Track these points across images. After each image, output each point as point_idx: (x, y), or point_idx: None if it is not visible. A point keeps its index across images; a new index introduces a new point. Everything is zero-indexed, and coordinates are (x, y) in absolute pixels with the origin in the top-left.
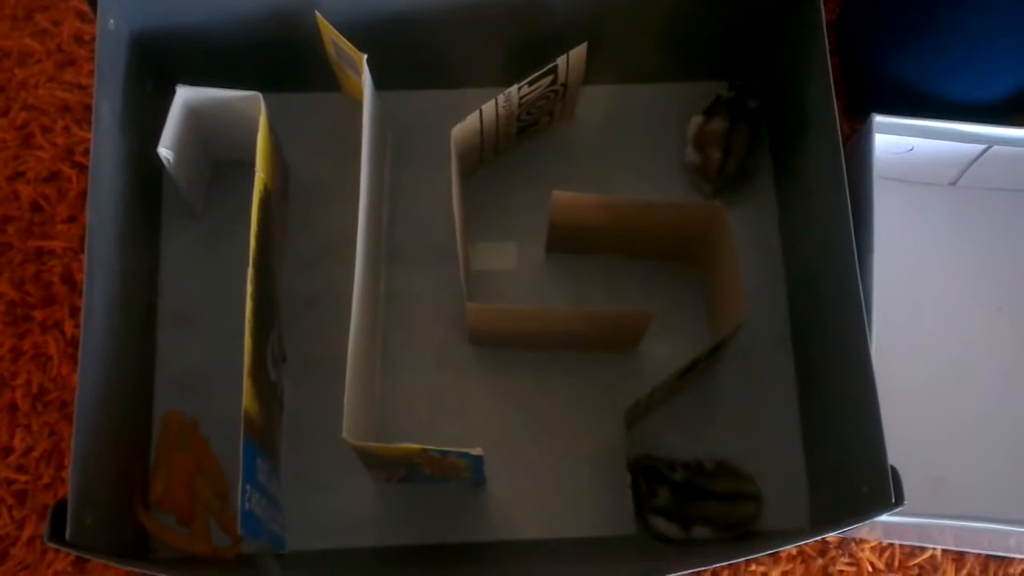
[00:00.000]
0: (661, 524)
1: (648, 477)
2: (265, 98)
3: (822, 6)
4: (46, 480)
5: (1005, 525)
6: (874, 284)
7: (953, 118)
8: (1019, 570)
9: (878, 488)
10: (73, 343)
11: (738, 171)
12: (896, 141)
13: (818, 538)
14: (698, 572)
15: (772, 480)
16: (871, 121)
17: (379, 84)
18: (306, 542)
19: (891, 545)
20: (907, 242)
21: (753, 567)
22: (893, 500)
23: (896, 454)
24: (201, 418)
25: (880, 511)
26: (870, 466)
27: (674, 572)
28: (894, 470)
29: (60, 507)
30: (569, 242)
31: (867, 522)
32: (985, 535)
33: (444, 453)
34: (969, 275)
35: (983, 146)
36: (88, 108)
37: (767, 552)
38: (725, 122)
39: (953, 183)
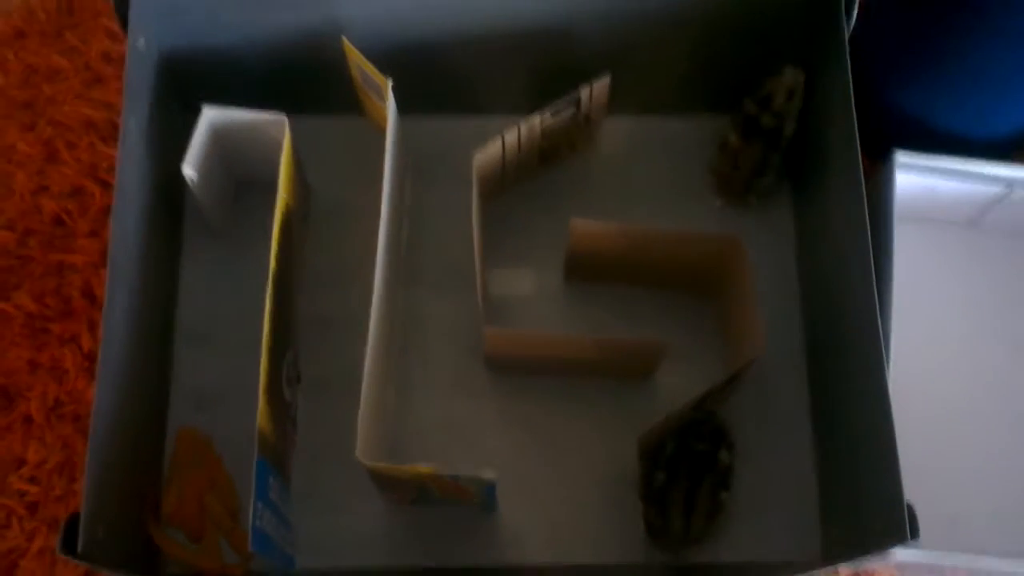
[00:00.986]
0: (668, 442)
1: (712, 434)
2: (289, 120)
3: (846, 42)
4: (58, 492)
5: (1019, 565)
6: (892, 321)
7: (962, 153)
8: None
9: (893, 522)
10: (90, 357)
11: (744, 188)
12: (917, 180)
13: (830, 568)
14: None
15: (784, 511)
16: (893, 159)
17: (402, 109)
18: (316, 561)
19: None
20: (926, 281)
21: None
22: (908, 535)
23: (910, 491)
24: (215, 435)
25: (895, 544)
26: (885, 500)
27: None
28: (910, 507)
29: (73, 520)
30: (587, 270)
31: (880, 557)
32: (998, 574)
33: (456, 477)
34: (988, 315)
35: (1005, 189)
36: (114, 126)
37: None
38: (739, 139)
39: (974, 223)
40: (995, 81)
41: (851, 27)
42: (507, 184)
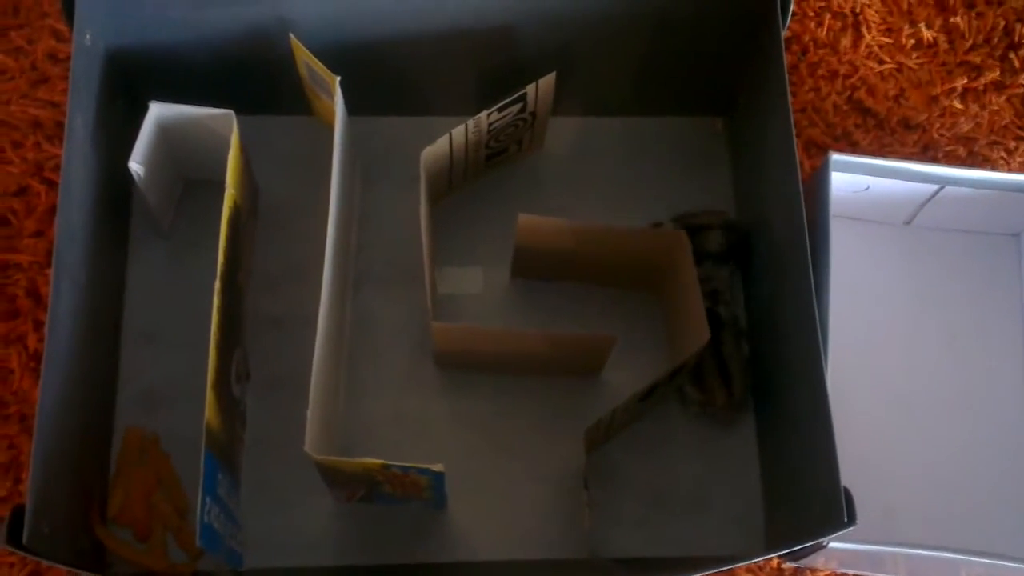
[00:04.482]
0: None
1: (710, 295)
2: (238, 119)
3: (782, 42)
4: (3, 493)
5: (957, 554)
6: (830, 318)
7: None
8: None
9: (830, 508)
10: (35, 357)
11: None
12: (852, 180)
13: (772, 556)
14: None
15: (729, 508)
16: (828, 159)
17: (351, 110)
18: (265, 560)
19: (845, 574)
20: (862, 279)
21: None
22: (846, 519)
23: (850, 484)
24: (163, 435)
25: (833, 530)
26: (823, 488)
27: None
28: (847, 491)
29: (17, 512)
30: (534, 267)
31: (821, 549)
32: (937, 565)
33: (405, 469)
34: (922, 312)
35: (936, 186)
36: (59, 125)
37: (720, 568)
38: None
39: (907, 222)
40: None
41: (786, 27)
42: (456, 183)
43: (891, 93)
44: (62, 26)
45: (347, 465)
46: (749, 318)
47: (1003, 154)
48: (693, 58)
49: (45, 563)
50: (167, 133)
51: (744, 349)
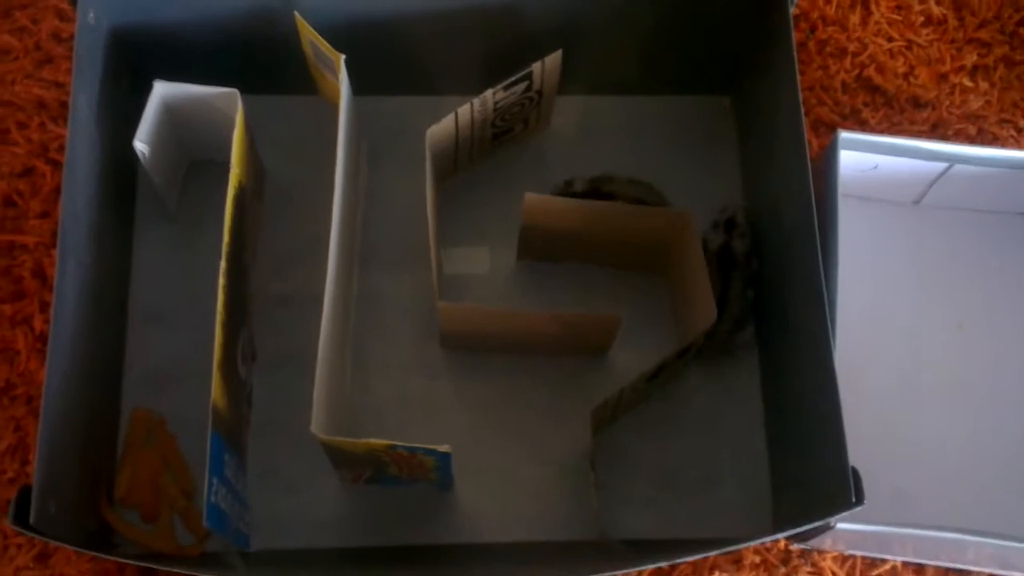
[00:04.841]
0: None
1: (726, 224)
2: (243, 99)
3: (791, 19)
4: (10, 475)
5: (964, 535)
6: (838, 299)
7: None
8: None
9: (839, 488)
10: (42, 338)
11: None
12: (861, 158)
13: (780, 536)
14: None
15: (737, 489)
16: (836, 137)
17: (356, 89)
18: (271, 541)
19: (852, 556)
20: (871, 259)
21: (716, 574)
22: (854, 499)
23: (858, 465)
24: (169, 416)
25: (841, 510)
26: (831, 468)
27: (634, 567)
28: (854, 470)
29: (24, 492)
30: (540, 247)
31: (829, 530)
32: (944, 547)
33: (412, 450)
34: (931, 293)
35: (945, 164)
36: (64, 105)
37: (726, 549)
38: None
39: (916, 202)
40: None
41: (795, 4)
42: (461, 163)
43: (900, 71)
44: (66, 5)
45: (353, 446)
46: (756, 298)
47: (1013, 132)
48: (700, 36)
49: (52, 543)
50: (172, 112)
51: (748, 295)
